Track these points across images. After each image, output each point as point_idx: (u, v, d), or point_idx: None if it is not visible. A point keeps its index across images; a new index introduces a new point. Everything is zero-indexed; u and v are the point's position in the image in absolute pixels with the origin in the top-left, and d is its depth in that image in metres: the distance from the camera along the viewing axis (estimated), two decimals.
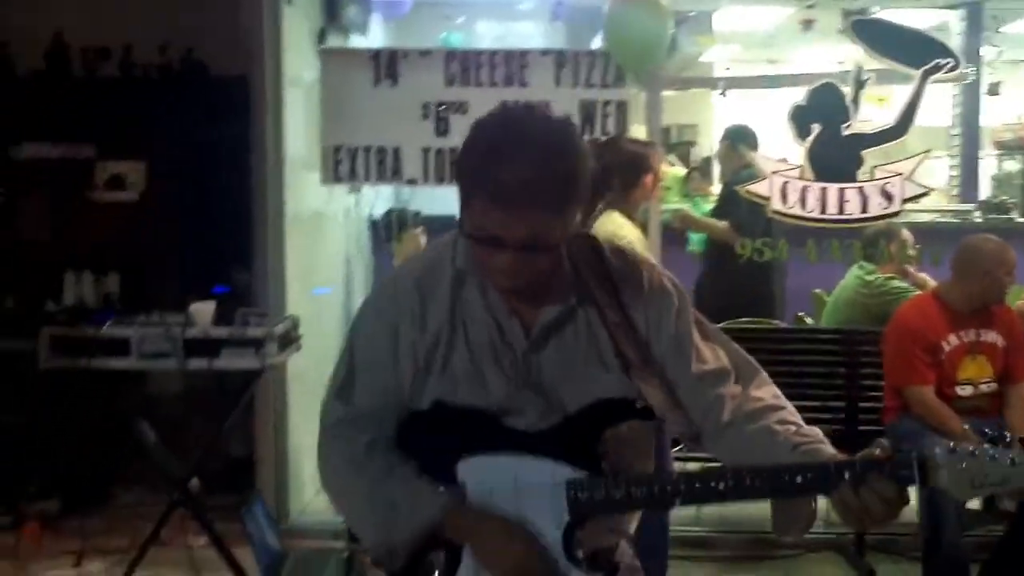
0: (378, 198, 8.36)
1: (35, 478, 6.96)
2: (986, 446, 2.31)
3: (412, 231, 7.90)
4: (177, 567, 6.08)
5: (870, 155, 6.66)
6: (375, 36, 8.34)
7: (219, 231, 7.19)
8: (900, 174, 6.61)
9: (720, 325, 2.78)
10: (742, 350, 2.76)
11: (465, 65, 6.86)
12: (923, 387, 5.73)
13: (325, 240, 7.64)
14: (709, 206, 8.50)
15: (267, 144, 6.83)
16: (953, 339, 5.83)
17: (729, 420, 2.61)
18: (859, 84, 6.60)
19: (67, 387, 6.52)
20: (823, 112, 6.63)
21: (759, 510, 6.17)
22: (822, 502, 2.43)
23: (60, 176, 7.41)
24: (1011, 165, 11.14)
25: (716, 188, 8.82)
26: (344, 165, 6.92)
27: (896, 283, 7.00)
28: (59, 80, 7.56)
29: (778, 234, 6.91)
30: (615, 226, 5.31)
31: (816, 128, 6.63)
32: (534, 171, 2.37)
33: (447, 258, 2.67)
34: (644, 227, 6.30)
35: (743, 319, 6.97)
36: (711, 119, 12.34)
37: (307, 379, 6.65)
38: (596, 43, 7.57)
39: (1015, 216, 9.38)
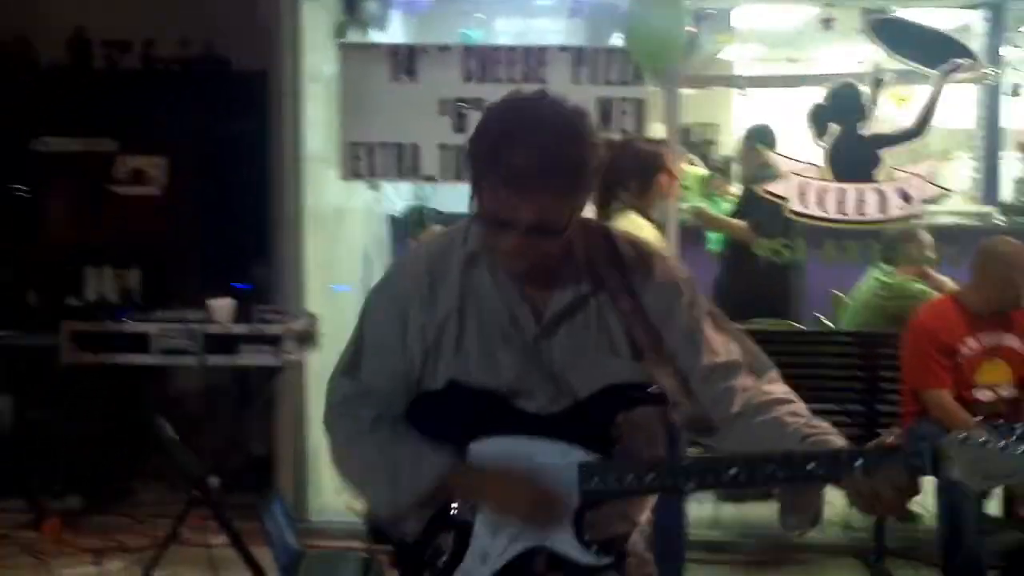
0: (398, 195, 8.36)
1: (57, 475, 6.98)
2: (998, 438, 2.30)
3: (431, 228, 7.90)
4: (196, 565, 6.08)
5: (891, 156, 6.64)
6: (394, 31, 8.33)
7: (239, 227, 7.21)
8: (919, 175, 6.60)
9: (737, 326, 2.78)
10: (754, 344, 2.77)
11: (483, 61, 6.85)
12: (940, 390, 5.68)
13: (344, 237, 7.63)
14: (729, 206, 8.48)
15: (286, 139, 6.83)
16: (972, 342, 5.80)
17: (739, 411, 2.62)
18: (878, 84, 6.59)
19: (88, 383, 6.55)
20: (842, 112, 6.63)
21: (777, 514, 6.16)
22: (840, 505, 2.44)
23: (81, 170, 7.45)
24: None
25: (736, 188, 8.79)
26: (362, 161, 6.92)
27: (915, 285, 6.98)
28: (81, 74, 7.61)
29: (797, 235, 6.90)
30: (633, 226, 5.31)
31: (835, 128, 6.63)
32: (544, 155, 2.41)
33: (459, 242, 2.71)
34: (662, 227, 6.30)
35: (761, 319, 6.95)
36: (732, 118, 12.29)
37: (327, 377, 6.63)
38: (615, 40, 7.55)
39: None
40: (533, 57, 6.87)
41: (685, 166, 8.86)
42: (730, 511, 6.94)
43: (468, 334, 2.65)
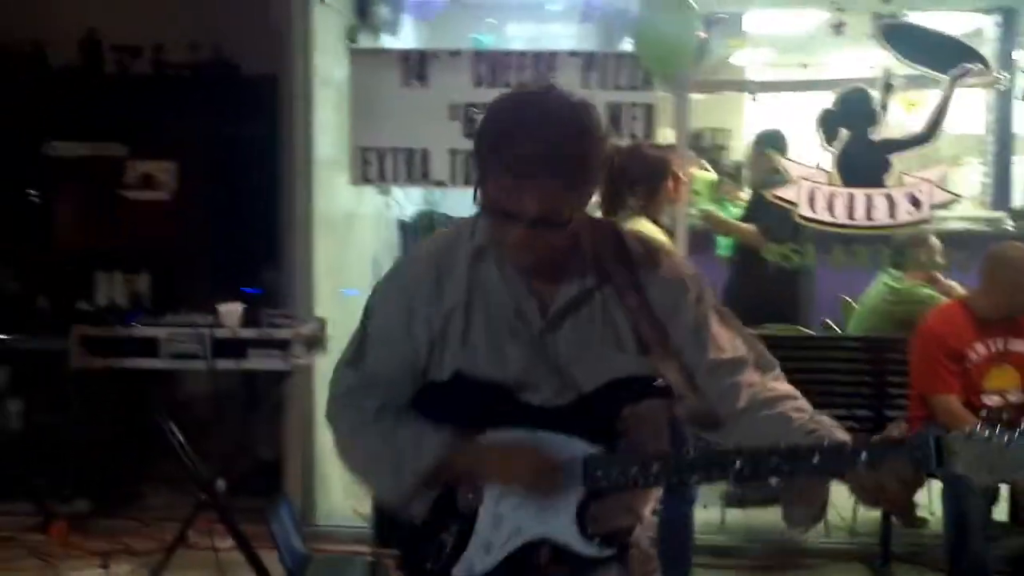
0: (408, 200, 8.37)
1: (65, 478, 7.00)
2: (1002, 433, 2.29)
3: None
4: (203, 569, 6.09)
5: (901, 161, 6.63)
6: (406, 36, 8.34)
7: (248, 231, 7.24)
8: (929, 180, 6.59)
9: (749, 331, 2.79)
10: (759, 342, 2.77)
11: (494, 66, 6.85)
12: (948, 395, 5.67)
13: (354, 241, 7.64)
14: (738, 211, 8.47)
15: (296, 144, 6.83)
16: (980, 348, 5.79)
17: (744, 407, 2.62)
18: (888, 89, 6.58)
19: (97, 387, 6.57)
20: (851, 117, 6.62)
21: (782, 511, 6.13)
22: (846, 510, 2.44)
23: (91, 175, 7.47)
24: None
25: (746, 193, 8.78)
26: (373, 166, 6.93)
27: (923, 290, 6.98)
28: (91, 78, 7.62)
29: (806, 240, 6.90)
30: (643, 231, 5.31)
31: (844, 133, 6.62)
32: (548, 146, 2.41)
33: (466, 236, 2.71)
34: (671, 232, 6.30)
35: (770, 325, 6.95)
36: (743, 123, 12.29)
37: None
38: (627, 45, 7.55)
39: None
40: (543, 62, 6.88)
41: (695, 171, 8.85)
42: (736, 516, 6.94)
43: (475, 327, 2.66)
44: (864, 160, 6.61)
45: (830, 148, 6.61)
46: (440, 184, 7.03)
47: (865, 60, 8.81)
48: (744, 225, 7.83)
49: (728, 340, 2.69)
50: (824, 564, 6.51)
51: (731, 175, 9.89)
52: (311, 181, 6.88)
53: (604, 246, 2.69)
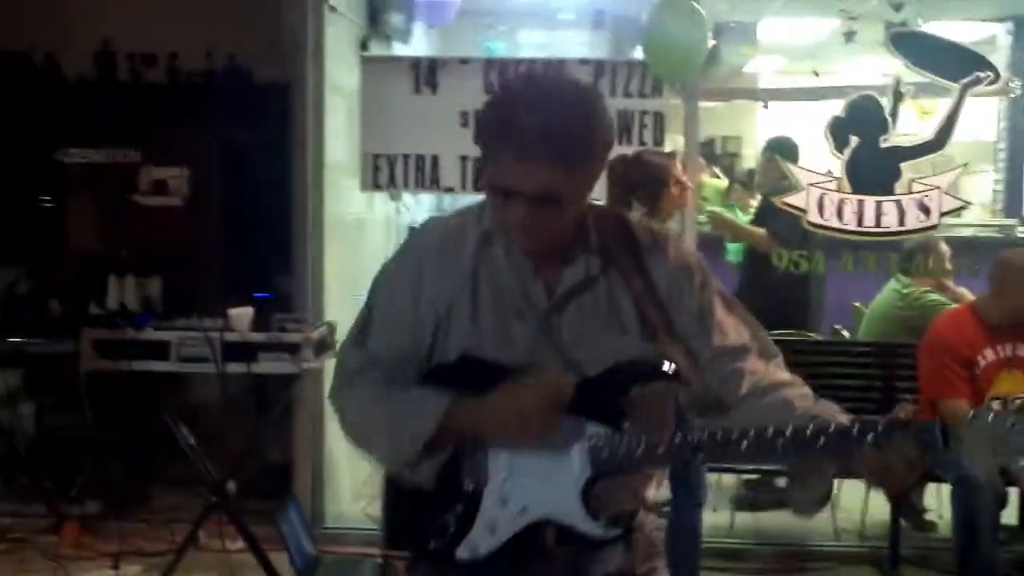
0: (419, 206, 8.40)
1: (76, 480, 7.03)
2: (1008, 416, 2.29)
3: None
4: (213, 570, 6.12)
5: (911, 168, 6.64)
6: (418, 44, 8.38)
7: (260, 237, 7.27)
8: (938, 187, 6.59)
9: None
10: (763, 330, 2.78)
11: (504, 74, 6.86)
12: (957, 400, 5.66)
13: (365, 247, 7.68)
14: (748, 217, 8.48)
15: (308, 151, 6.85)
16: (989, 353, 5.80)
17: (747, 393, 2.64)
18: (898, 97, 6.58)
19: (108, 390, 6.59)
20: (861, 125, 6.61)
21: (792, 523, 6.22)
22: (855, 512, 2.44)
23: (105, 181, 7.50)
24: None
25: (757, 200, 8.79)
26: (383, 173, 6.95)
27: (933, 296, 6.99)
28: (106, 86, 7.66)
29: (815, 246, 6.91)
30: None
31: (854, 140, 6.63)
32: (550, 124, 2.42)
33: (473, 221, 2.72)
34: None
35: (779, 331, 6.95)
36: (755, 131, 12.32)
37: None
38: (637, 53, 7.57)
39: None
40: (552, 70, 6.89)
41: (704, 177, 8.86)
42: (745, 519, 6.95)
43: (482, 308, 2.66)
44: (874, 167, 6.61)
45: (840, 155, 6.62)
46: (450, 190, 7.04)
47: (877, 68, 8.83)
48: (752, 228, 7.83)
49: (732, 327, 2.70)
50: (833, 567, 6.49)
51: (743, 182, 9.92)
52: (322, 187, 6.91)
53: (610, 232, 2.70)
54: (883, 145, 6.64)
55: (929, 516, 6.96)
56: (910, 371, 6.21)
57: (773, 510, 7.05)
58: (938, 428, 2.34)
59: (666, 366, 2.61)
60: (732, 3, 9.01)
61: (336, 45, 7.11)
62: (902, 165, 6.62)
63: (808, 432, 2.41)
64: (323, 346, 6.29)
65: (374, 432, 2.70)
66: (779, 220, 7.16)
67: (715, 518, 6.68)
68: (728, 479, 7.19)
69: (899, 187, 6.61)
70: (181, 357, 6.13)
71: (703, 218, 8.04)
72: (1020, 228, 8.89)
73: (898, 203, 6.59)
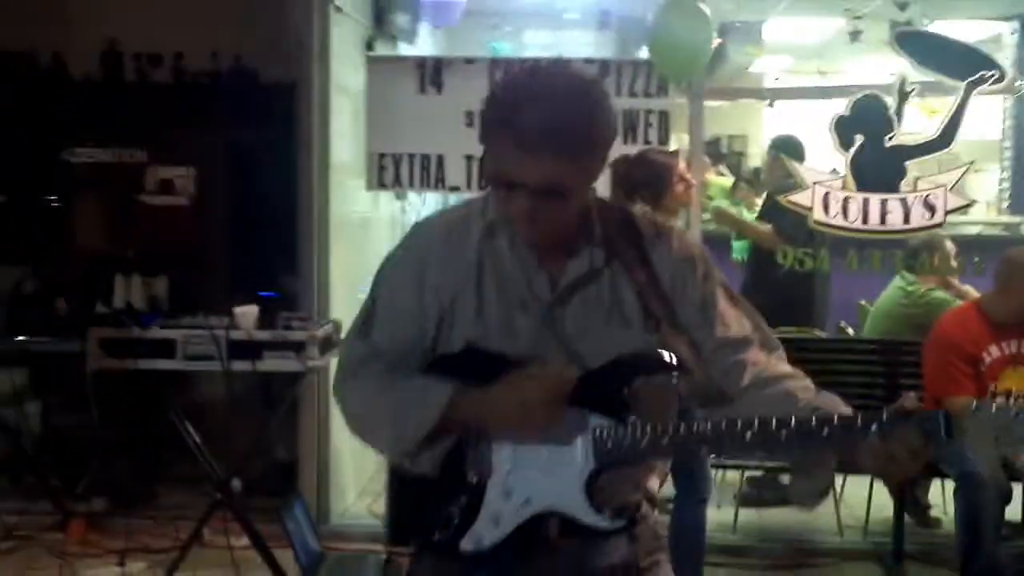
0: (424, 205, 8.41)
1: (83, 478, 7.05)
2: (1011, 407, 2.32)
3: None
4: (218, 567, 6.12)
5: (916, 167, 6.65)
6: (423, 44, 8.39)
7: (265, 236, 7.29)
8: (943, 186, 6.60)
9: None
10: (764, 323, 2.79)
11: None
12: (962, 398, 5.63)
13: (370, 245, 7.68)
14: (752, 215, 8.48)
15: (313, 150, 6.88)
16: (994, 350, 5.80)
17: (749, 384, 2.65)
18: (903, 95, 6.59)
19: (115, 388, 6.61)
20: (866, 124, 6.61)
21: (796, 519, 6.24)
22: (858, 508, 2.44)
23: (112, 180, 7.51)
24: None
25: (763, 198, 8.79)
26: (388, 172, 6.98)
27: (937, 294, 6.99)
28: (112, 86, 7.68)
29: (820, 244, 6.92)
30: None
31: (859, 139, 6.63)
32: (553, 116, 2.43)
33: (478, 211, 2.72)
34: None
35: (785, 328, 6.96)
36: (761, 130, 12.31)
37: None
38: (643, 53, 7.59)
39: None
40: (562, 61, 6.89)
41: (709, 176, 8.87)
42: (749, 516, 6.95)
43: (486, 300, 2.66)
44: (879, 166, 6.61)
45: (845, 154, 6.62)
46: (455, 189, 7.06)
47: (882, 67, 8.84)
48: (756, 224, 7.82)
49: (734, 318, 2.71)
50: (837, 563, 6.51)
51: (748, 181, 9.92)
52: (327, 186, 6.94)
53: (613, 224, 2.71)
54: (888, 144, 6.64)
55: (933, 512, 6.96)
56: (915, 368, 6.22)
57: (777, 507, 7.06)
58: (942, 416, 2.36)
59: (669, 358, 2.61)
60: (738, 3, 9.02)
61: (342, 45, 7.13)
62: (907, 163, 6.63)
63: (812, 423, 2.42)
64: (328, 344, 6.30)
65: (377, 422, 2.70)
66: (784, 218, 7.16)
67: (719, 514, 6.69)
68: (732, 475, 7.21)
69: (904, 185, 6.61)
70: (187, 355, 6.14)
71: (707, 216, 8.03)
72: None
73: (903, 201, 6.60)
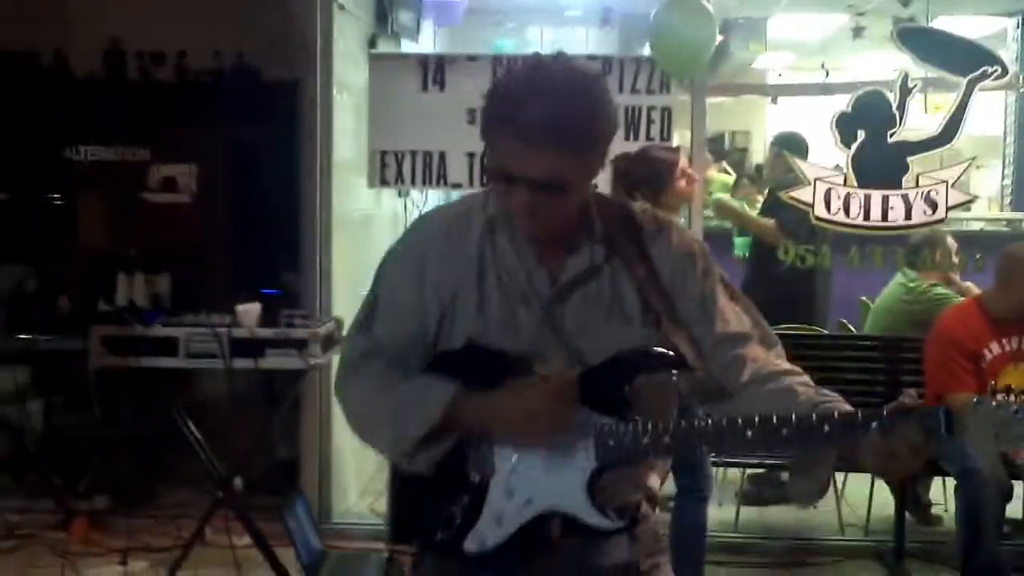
0: (427, 203, 8.40)
1: (85, 476, 7.06)
2: (1011, 404, 2.32)
3: None
4: (220, 566, 6.12)
5: (919, 163, 6.65)
6: (426, 42, 8.39)
7: (268, 233, 7.29)
8: (945, 182, 6.60)
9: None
10: (763, 319, 2.79)
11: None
12: (963, 394, 5.62)
13: (372, 243, 7.69)
14: (754, 212, 8.47)
15: (316, 148, 6.89)
16: (995, 347, 5.81)
17: (749, 380, 2.65)
18: (905, 91, 6.58)
19: (117, 386, 6.62)
20: (868, 120, 6.62)
21: (797, 517, 6.24)
22: (860, 506, 2.44)
23: (114, 178, 7.51)
24: None
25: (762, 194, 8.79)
26: (390, 169, 6.98)
27: (939, 290, 6.99)
28: (115, 84, 7.68)
29: (822, 240, 6.92)
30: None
31: (861, 135, 6.63)
32: (554, 109, 2.43)
33: (479, 206, 2.72)
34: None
35: (786, 325, 6.96)
36: (764, 126, 12.33)
37: None
38: (647, 50, 7.58)
39: None
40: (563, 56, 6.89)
41: (711, 172, 8.86)
42: (751, 514, 6.96)
43: (487, 296, 2.66)
44: (881, 162, 6.62)
45: (847, 150, 6.62)
46: (457, 186, 7.06)
47: (886, 63, 8.83)
48: (758, 218, 7.79)
49: (734, 314, 2.71)
50: (838, 561, 6.51)
51: (751, 178, 9.91)
52: (330, 184, 6.95)
53: (613, 220, 2.71)
54: (890, 140, 6.64)
55: (934, 510, 6.96)
56: (916, 365, 6.24)
57: (778, 505, 7.06)
58: (942, 412, 2.36)
59: (670, 355, 2.61)
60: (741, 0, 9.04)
61: (344, 43, 7.15)
62: (909, 159, 6.63)
63: (813, 420, 2.43)
64: (330, 342, 6.31)
65: (377, 421, 2.70)
66: (786, 215, 7.16)
67: (720, 512, 6.70)
68: (733, 473, 7.21)
69: (906, 181, 6.61)
70: (189, 353, 6.14)
71: (709, 212, 8.02)
72: None
73: (905, 197, 6.60)
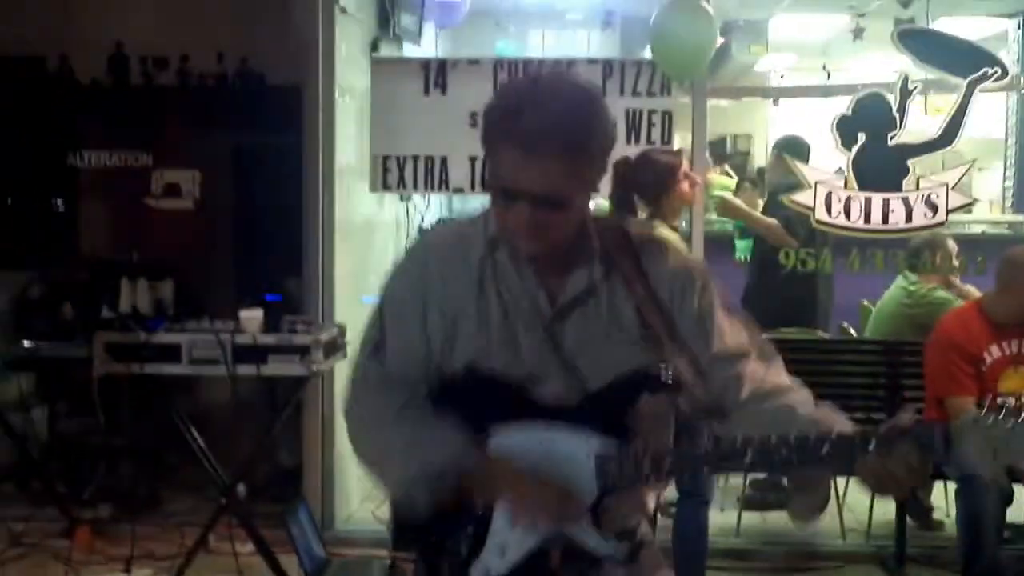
0: (429, 207, 8.42)
1: (89, 484, 7.07)
2: (1009, 418, 2.30)
3: None
4: (223, 573, 6.14)
5: (919, 165, 6.65)
6: (428, 45, 8.40)
7: (270, 239, 7.31)
8: (945, 184, 6.60)
9: (765, 335, 2.81)
10: (762, 334, 2.80)
11: (513, 74, 6.88)
12: (964, 398, 5.66)
13: (375, 248, 7.71)
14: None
15: (319, 153, 6.88)
16: (995, 350, 5.80)
17: (747, 398, 2.65)
18: (906, 94, 6.59)
19: (120, 393, 6.64)
20: (869, 122, 6.62)
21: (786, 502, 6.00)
22: (861, 512, 2.45)
23: (118, 184, 7.55)
24: None
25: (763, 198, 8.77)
26: (392, 174, 6.98)
27: (940, 293, 6.99)
28: (118, 89, 7.71)
29: (823, 244, 6.93)
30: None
31: (862, 138, 6.63)
32: (555, 125, 2.44)
33: (480, 226, 2.72)
34: (688, 238, 6.35)
35: (788, 328, 6.97)
36: (766, 128, 12.31)
37: None
38: (648, 52, 7.58)
39: None
40: (560, 70, 6.90)
41: (712, 175, 8.84)
42: (752, 519, 6.96)
43: (488, 317, 2.67)
44: (882, 165, 6.62)
45: (847, 152, 6.62)
46: (459, 191, 7.09)
47: (888, 65, 8.83)
48: (762, 216, 7.77)
49: (732, 331, 2.72)
50: (840, 567, 6.50)
51: (753, 181, 9.90)
52: (332, 189, 6.94)
53: (611, 240, 2.71)
54: (891, 142, 6.64)
55: (936, 515, 6.96)
56: (917, 369, 6.22)
57: (780, 510, 7.06)
58: (939, 432, 2.35)
59: (667, 375, 2.62)
60: (742, 1, 9.03)
61: (347, 47, 7.14)
62: (910, 162, 6.63)
63: (811, 440, 2.43)
64: (333, 348, 6.31)
65: (383, 458, 2.72)
66: (787, 219, 7.16)
67: (722, 518, 6.72)
68: (735, 479, 7.20)
69: (907, 184, 6.62)
70: (192, 359, 6.13)
71: (712, 210, 8.02)
72: None
73: (905, 200, 6.61)
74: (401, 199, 7.85)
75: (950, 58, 6.70)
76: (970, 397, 5.68)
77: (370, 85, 7.12)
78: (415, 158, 6.97)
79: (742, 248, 8.54)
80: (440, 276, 2.69)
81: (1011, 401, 5.25)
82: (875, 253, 6.73)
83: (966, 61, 6.65)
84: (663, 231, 5.44)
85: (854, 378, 6.66)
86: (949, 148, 6.70)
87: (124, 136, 7.59)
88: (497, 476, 2.60)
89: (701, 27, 6.61)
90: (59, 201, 7.68)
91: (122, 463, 7.18)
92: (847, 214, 6.62)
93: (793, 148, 7.75)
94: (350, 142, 7.18)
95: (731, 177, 10.67)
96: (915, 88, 6.59)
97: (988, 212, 10.02)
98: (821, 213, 6.65)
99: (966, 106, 6.60)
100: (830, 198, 6.65)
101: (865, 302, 7.84)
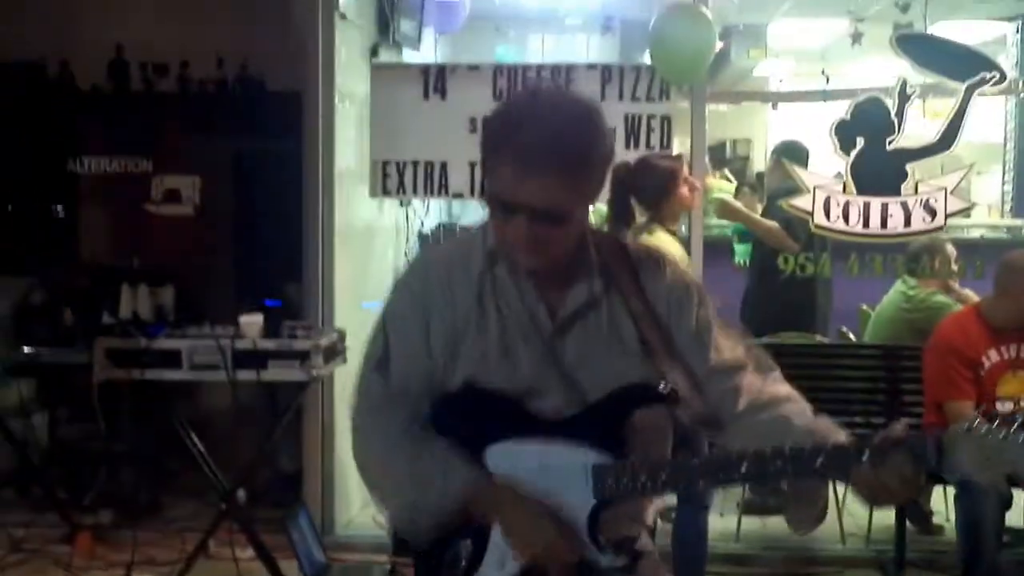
0: (429, 213, 8.42)
1: (89, 490, 7.08)
2: (1003, 428, 2.31)
3: None
4: None
5: (918, 170, 6.65)
6: (428, 51, 8.40)
7: (270, 244, 7.31)
8: (944, 188, 6.61)
9: (763, 339, 2.84)
10: (756, 346, 2.83)
11: (513, 79, 6.89)
12: (963, 402, 5.66)
13: (375, 253, 7.71)
14: None
15: (318, 158, 6.88)
16: (993, 355, 5.79)
17: (744, 410, 2.67)
18: (904, 98, 6.60)
19: (121, 399, 6.64)
20: (867, 127, 6.63)
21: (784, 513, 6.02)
22: (861, 516, 2.46)
23: (118, 190, 7.56)
24: None
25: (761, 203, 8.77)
26: (392, 179, 6.99)
27: (938, 298, 6.99)
28: (118, 95, 7.71)
29: (821, 249, 6.93)
30: (659, 243, 5.36)
31: (860, 142, 6.64)
32: (554, 139, 2.46)
33: (479, 241, 2.74)
34: (687, 243, 6.36)
35: (786, 333, 6.98)
36: (766, 133, 12.32)
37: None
38: (647, 57, 7.59)
39: None
40: (561, 75, 6.92)
41: (712, 180, 8.84)
42: (752, 524, 6.95)
43: (488, 331, 2.68)
44: (880, 169, 6.63)
45: (846, 157, 6.63)
46: (459, 196, 7.10)
47: (888, 69, 8.84)
48: (764, 220, 7.75)
49: (728, 345, 2.74)
50: (839, 571, 6.50)
51: (752, 186, 9.90)
52: (332, 194, 6.94)
53: (609, 254, 2.74)
54: (889, 147, 6.65)
55: (935, 520, 6.96)
56: (916, 373, 6.21)
57: (780, 515, 7.05)
58: (932, 442, 2.36)
59: (665, 388, 2.63)
60: (741, 6, 9.03)
61: (347, 52, 7.14)
62: (908, 166, 6.64)
63: (806, 452, 2.45)
64: (333, 353, 6.32)
65: (388, 483, 2.74)
66: (787, 222, 7.16)
67: (722, 522, 6.73)
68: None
69: (905, 188, 6.63)
70: (193, 365, 6.13)
71: (711, 213, 8.02)
72: None
73: (904, 205, 6.61)
74: (401, 204, 7.84)
75: (948, 62, 6.70)
76: (969, 401, 5.68)
77: (370, 90, 7.12)
78: (415, 163, 6.97)
79: (741, 252, 8.54)
80: (441, 291, 2.71)
81: (1008, 406, 5.32)
82: (874, 257, 6.74)
83: (964, 65, 6.66)
84: (662, 237, 5.47)
85: (853, 383, 6.65)
86: (948, 152, 6.70)
87: (124, 142, 7.59)
88: (498, 506, 2.61)
89: (700, 32, 6.61)
90: (59, 207, 7.68)
91: (123, 469, 7.19)
92: (846, 218, 6.63)
93: (792, 153, 7.77)
94: (350, 147, 7.18)
95: (730, 182, 10.69)
96: (914, 92, 6.59)
97: (987, 216, 10.03)
98: (820, 217, 6.65)
99: (964, 110, 6.60)
100: (829, 202, 6.66)
101: (864, 306, 7.84)
